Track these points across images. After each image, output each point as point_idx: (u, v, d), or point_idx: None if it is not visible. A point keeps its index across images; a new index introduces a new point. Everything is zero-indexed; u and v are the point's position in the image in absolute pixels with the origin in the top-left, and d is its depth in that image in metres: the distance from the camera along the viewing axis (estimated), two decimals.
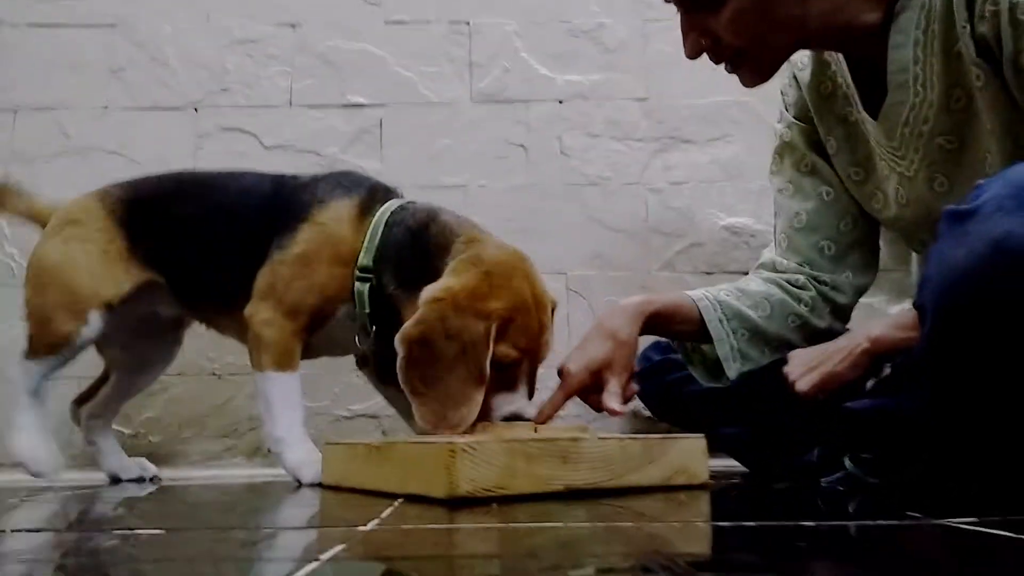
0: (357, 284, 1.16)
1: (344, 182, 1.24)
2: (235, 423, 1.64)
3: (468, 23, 1.85)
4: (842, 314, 1.16)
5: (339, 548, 0.51)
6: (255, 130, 1.80)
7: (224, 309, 1.26)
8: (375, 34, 1.84)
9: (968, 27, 0.87)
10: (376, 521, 0.65)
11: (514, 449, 0.81)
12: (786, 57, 1.02)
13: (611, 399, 1.03)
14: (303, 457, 1.14)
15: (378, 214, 1.18)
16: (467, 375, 1.01)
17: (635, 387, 1.11)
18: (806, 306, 1.13)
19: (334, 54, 1.83)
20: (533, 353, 1.08)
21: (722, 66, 1.00)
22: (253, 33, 1.83)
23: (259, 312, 1.18)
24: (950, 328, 0.72)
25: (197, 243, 1.28)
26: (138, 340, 1.40)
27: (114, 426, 1.47)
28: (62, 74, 1.77)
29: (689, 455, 0.94)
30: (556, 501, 0.80)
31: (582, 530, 0.61)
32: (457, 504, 0.76)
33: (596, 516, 0.68)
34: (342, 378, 1.66)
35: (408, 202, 1.22)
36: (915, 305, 0.78)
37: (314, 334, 1.20)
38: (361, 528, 0.61)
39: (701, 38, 0.96)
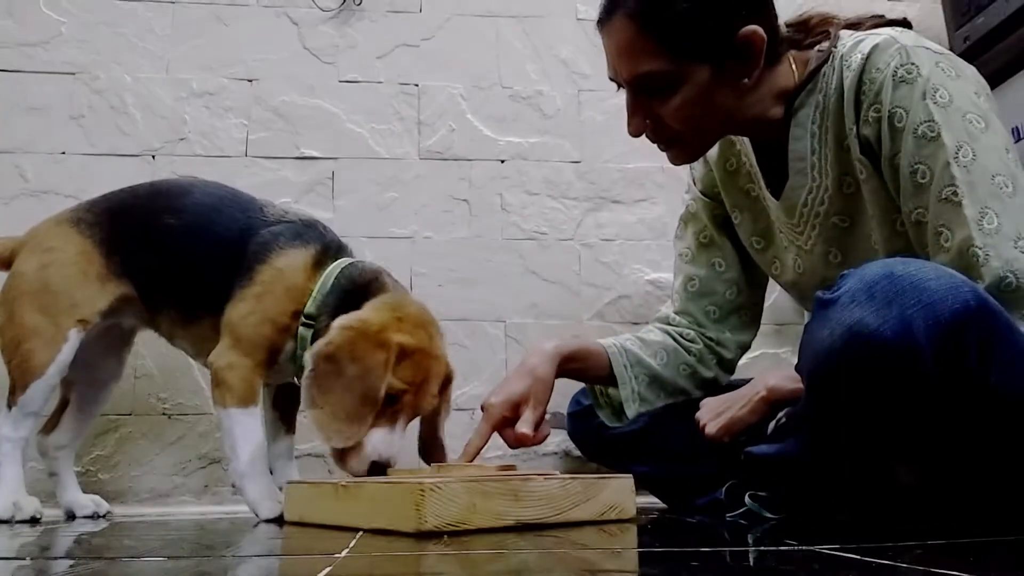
0: (301, 329, 1.26)
1: (305, 234, 1.34)
2: (184, 462, 1.70)
3: (417, 85, 1.99)
4: (727, 366, 1.33)
5: (326, 570, 0.62)
6: (211, 178, 1.87)
7: (185, 321, 1.37)
8: (329, 91, 1.96)
9: (854, 128, 1.03)
10: (347, 550, 0.76)
11: (473, 488, 0.91)
12: (713, 143, 1.16)
13: (523, 425, 1.15)
14: (262, 492, 1.22)
15: (329, 268, 1.30)
16: (363, 396, 1.13)
17: (546, 430, 1.20)
18: (694, 356, 1.30)
19: (289, 109, 1.94)
20: (417, 394, 1.19)
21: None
22: (211, 86, 1.92)
23: (221, 356, 1.27)
24: (818, 392, 0.89)
25: (168, 254, 1.36)
26: (92, 355, 1.46)
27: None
28: (22, 118, 1.82)
29: (620, 493, 1.05)
30: (506, 534, 0.90)
31: (530, 556, 0.73)
32: (413, 536, 0.86)
33: (539, 545, 0.81)
34: None
35: (358, 261, 1.33)
36: (796, 369, 0.94)
37: (271, 368, 1.30)
38: (337, 555, 0.72)
39: (645, 119, 1.09)
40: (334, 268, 1.30)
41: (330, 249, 1.34)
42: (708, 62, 1.02)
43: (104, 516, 1.46)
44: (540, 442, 1.20)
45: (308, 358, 1.15)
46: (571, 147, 2.00)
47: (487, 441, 1.19)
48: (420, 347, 1.18)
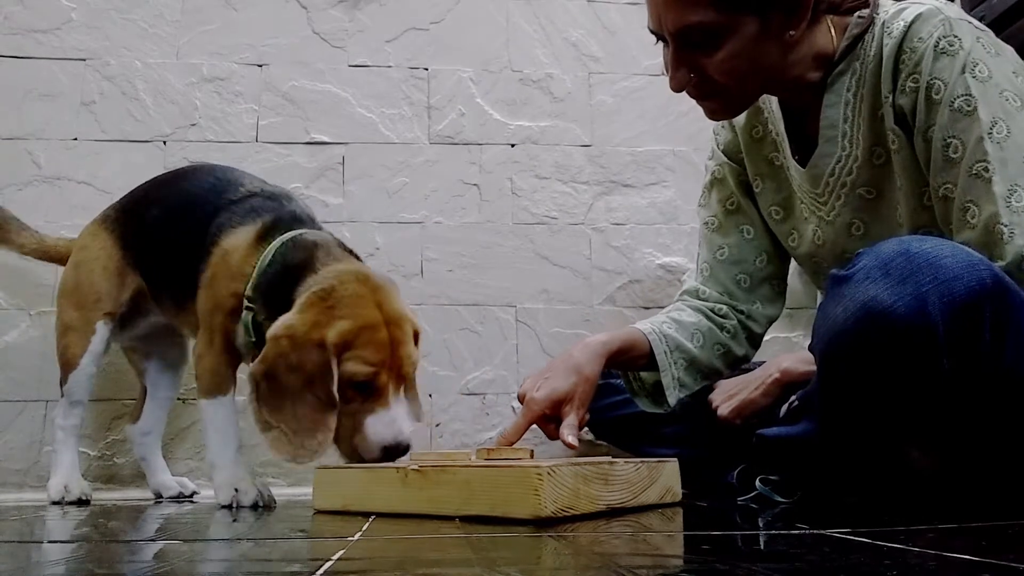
0: (244, 313, 1.23)
1: (260, 209, 1.29)
2: (198, 446, 1.72)
3: (427, 69, 1.98)
4: (755, 342, 1.30)
5: (339, 553, 0.63)
6: (222, 164, 1.88)
7: (177, 308, 1.38)
8: (339, 76, 1.95)
9: (891, 97, 1.01)
10: (359, 533, 0.77)
11: (577, 472, 0.87)
12: (755, 99, 1.14)
13: (568, 433, 1.11)
14: (224, 479, 1.22)
15: (271, 245, 1.23)
16: (315, 402, 1.08)
17: (587, 417, 1.18)
18: (728, 334, 1.26)
19: (299, 94, 1.93)
20: (392, 366, 1.12)
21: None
22: (221, 71, 1.92)
23: (196, 346, 1.30)
24: (831, 369, 0.88)
25: (158, 245, 1.39)
26: (158, 345, 1.55)
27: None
28: (34, 105, 1.83)
29: (672, 477, 1.04)
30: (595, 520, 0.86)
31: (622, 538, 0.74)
32: (530, 523, 0.80)
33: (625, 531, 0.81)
34: None
35: (300, 235, 1.25)
36: (809, 348, 0.94)
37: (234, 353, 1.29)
38: (350, 539, 0.73)
39: (689, 74, 1.05)
40: (275, 245, 1.23)
41: (281, 222, 1.26)
42: (755, 13, 0.99)
43: (190, 497, 1.52)
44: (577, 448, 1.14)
45: (248, 380, 1.09)
46: (581, 131, 1.98)
47: (523, 434, 1.15)
48: (366, 324, 1.11)
